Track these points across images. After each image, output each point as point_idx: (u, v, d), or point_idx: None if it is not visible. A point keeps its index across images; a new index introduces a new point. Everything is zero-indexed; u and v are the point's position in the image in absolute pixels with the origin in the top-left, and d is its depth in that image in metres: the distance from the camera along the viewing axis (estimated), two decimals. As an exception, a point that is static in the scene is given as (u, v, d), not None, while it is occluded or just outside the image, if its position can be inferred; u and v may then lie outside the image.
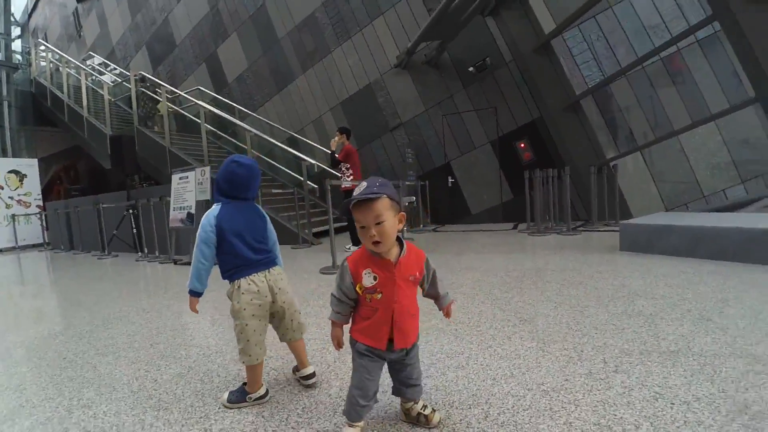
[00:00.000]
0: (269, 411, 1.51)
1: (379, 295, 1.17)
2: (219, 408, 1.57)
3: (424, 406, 1.33)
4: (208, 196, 5.11)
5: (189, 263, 5.01)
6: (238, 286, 1.53)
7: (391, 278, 1.16)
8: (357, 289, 1.19)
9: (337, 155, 5.43)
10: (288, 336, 1.66)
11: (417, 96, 7.64)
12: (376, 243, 1.14)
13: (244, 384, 1.58)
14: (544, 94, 6.55)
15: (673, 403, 1.33)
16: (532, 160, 6.71)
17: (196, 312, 1.61)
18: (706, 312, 2.16)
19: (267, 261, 1.60)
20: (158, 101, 8.34)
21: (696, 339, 1.82)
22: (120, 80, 10.31)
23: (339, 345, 1.29)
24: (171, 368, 2.00)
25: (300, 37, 8.91)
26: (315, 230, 6.65)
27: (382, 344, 1.20)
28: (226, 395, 1.59)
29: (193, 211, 5.15)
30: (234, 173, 1.54)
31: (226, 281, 1.60)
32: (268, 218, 1.67)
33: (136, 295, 3.83)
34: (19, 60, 13.30)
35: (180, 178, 5.50)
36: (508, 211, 7.04)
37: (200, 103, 7.59)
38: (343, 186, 5.00)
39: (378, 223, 1.12)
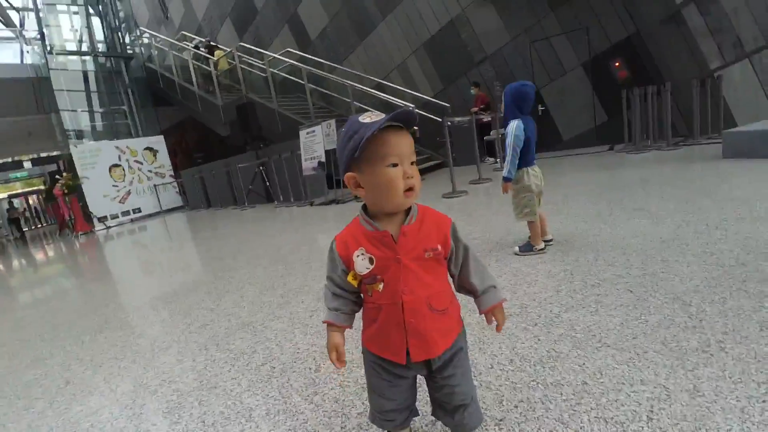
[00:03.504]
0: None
1: (381, 285, 0.84)
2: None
3: None
4: (335, 145, 6.12)
5: (324, 203, 6.26)
6: (527, 172, 2.32)
7: (394, 258, 0.83)
8: (350, 279, 0.86)
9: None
10: (540, 207, 2.41)
11: (502, 26, 7.72)
12: (410, 190, 0.81)
13: (529, 239, 2.39)
14: (640, 5, 6.33)
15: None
16: (629, 78, 6.68)
17: (507, 192, 2.37)
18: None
19: (535, 158, 2.37)
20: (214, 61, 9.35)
21: (787, 209, 2.36)
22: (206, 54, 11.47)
23: (339, 361, 0.91)
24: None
25: (377, -17, 9.19)
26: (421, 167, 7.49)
27: (400, 356, 0.87)
28: (517, 248, 2.41)
29: (323, 159, 6.24)
30: (527, 93, 2.19)
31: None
32: None
33: (304, 228, 4.99)
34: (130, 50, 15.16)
35: (307, 133, 6.59)
36: (603, 133, 7.17)
37: (301, 65, 8.53)
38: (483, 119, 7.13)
39: (413, 162, 0.80)
